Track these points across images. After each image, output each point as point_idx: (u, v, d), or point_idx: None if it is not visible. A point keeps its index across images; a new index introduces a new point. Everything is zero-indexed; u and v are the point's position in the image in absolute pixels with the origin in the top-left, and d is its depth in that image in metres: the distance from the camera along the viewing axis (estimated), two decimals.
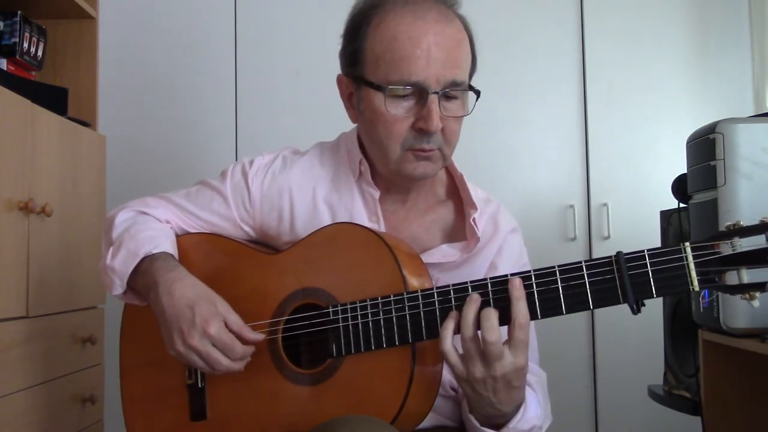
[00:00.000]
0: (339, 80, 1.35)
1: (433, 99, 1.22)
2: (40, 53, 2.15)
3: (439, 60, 1.21)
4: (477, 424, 1.17)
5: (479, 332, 1.09)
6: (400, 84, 1.22)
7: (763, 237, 1.01)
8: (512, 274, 1.12)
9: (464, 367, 1.10)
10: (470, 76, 1.30)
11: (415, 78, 1.21)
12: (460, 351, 1.11)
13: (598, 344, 2.83)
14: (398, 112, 1.24)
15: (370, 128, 1.29)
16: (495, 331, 1.07)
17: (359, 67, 1.28)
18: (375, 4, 1.27)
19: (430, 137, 1.24)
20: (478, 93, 1.27)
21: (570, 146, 2.88)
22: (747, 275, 1.01)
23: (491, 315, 1.08)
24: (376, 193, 1.34)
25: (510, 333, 1.09)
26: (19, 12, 2.06)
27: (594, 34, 2.89)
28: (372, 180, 1.34)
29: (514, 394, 1.13)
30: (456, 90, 1.24)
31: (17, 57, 2.05)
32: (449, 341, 1.10)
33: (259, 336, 1.24)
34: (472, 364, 1.09)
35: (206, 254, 1.37)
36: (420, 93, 1.23)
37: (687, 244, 1.04)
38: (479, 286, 1.12)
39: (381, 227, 1.33)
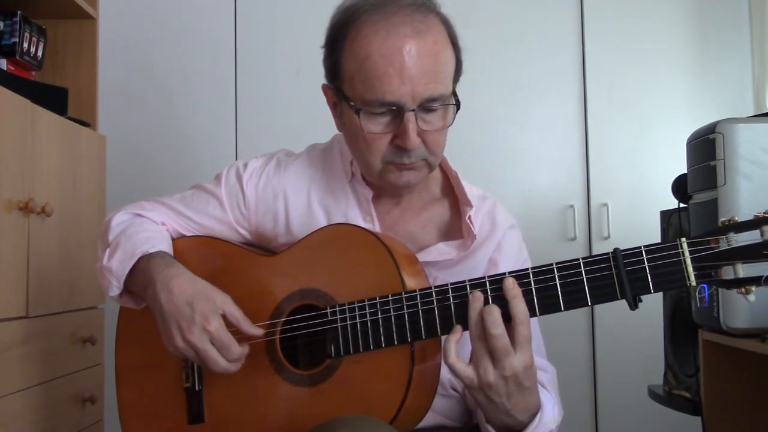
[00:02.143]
0: (324, 89, 1.34)
1: (410, 117, 1.19)
2: (40, 53, 2.15)
3: (414, 77, 1.18)
4: None
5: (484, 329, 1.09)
6: (375, 104, 1.20)
7: (758, 232, 1.02)
8: (510, 273, 1.12)
9: (475, 372, 1.10)
10: (455, 80, 1.27)
11: (390, 97, 1.19)
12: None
13: (598, 344, 2.83)
14: (375, 129, 1.22)
15: (351, 140, 1.29)
16: (499, 325, 1.08)
17: (338, 82, 1.27)
18: (349, 19, 1.24)
19: (410, 153, 1.23)
20: (458, 105, 1.25)
21: (570, 146, 2.88)
22: (743, 270, 1.02)
23: (494, 310, 1.09)
24: (369, 194, 1.34)
25: (512, 330, 1.09)
26: (19, 12, 2.06)
27: (594, 34, 2.89)
28: (364, 180, 1.34)
29: (528, 398, 1.12)
30: (434, 104, 1.22)
31: (17, 57, 2.05)
32: (453, 353, 1.10)
33: (258, 330, 1.23)
34: (482, 366, 1.09)
35: (202, 257, 1.36)
36: (397, 110, 1.21)
37: (683, 239, 1.05)
38: (477, 285, 1.12)
39: (375, 227, 1.33)
